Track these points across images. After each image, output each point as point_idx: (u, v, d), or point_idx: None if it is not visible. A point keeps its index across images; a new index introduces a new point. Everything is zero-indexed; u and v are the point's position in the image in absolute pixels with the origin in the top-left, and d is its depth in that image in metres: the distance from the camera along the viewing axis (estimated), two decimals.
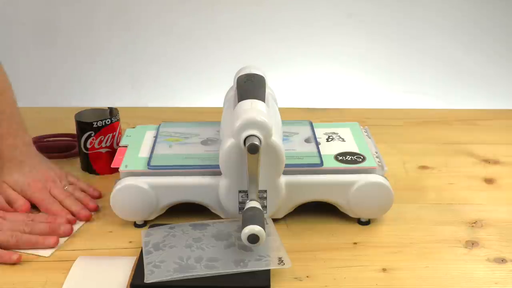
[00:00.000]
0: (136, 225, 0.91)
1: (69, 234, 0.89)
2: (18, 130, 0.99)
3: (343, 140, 0.99)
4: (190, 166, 0.90)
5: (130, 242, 0.87)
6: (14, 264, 0.82)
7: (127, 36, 2.44)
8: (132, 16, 2.40)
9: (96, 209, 0.96)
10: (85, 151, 1.07)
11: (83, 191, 0.99)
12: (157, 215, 0.91)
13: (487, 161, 1.12)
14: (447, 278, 0.80)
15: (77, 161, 1.10)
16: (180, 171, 0.90)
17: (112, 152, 1.05)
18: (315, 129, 1.02)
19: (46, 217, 0.92)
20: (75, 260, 0.82)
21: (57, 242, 0.86)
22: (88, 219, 0.93)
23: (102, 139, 1.06)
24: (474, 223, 0.92)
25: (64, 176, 1.01)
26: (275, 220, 0.90)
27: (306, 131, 1.02)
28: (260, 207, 0.81)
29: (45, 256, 0.84)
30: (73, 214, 0.93)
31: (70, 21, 2.42)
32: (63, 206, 0.95)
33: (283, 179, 0.88)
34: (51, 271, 0.81)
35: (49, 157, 1.05)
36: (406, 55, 2.33)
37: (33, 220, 0.90)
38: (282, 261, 0.79)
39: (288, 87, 2.05)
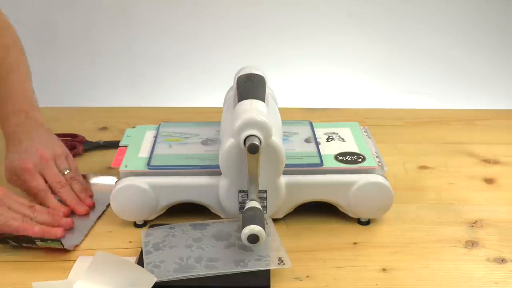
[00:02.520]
0: (136, 225, 0.91)
1: (69, 227, 0.88)
2: (25, 107, 0.97)
3: (343, 140, 0.99)
4: (190, 166, 0.90)
5: (130, 242, 0.88)
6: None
7: (127, 36, 2.43)
8: (132, 16, 2.40)
9: (93, 207, 0.95)
10: None
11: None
12: (157, 215, 0.91)
13: (487, 161, 1.12)
14: (447, 278, 0.80)
15: (77, 161, 1.10)
16: (180, 171, 0.90)
17: None
18: (315, 129, 1.02)
19: (45, 208, 0.90)
20: (75, 260, 0.82)
21: (63, 233, 0.86)
22: (85, 214, 0.93)
23: None
24: (474, 223, 0.92)
25: (64, 156, 0.98)
26: (275, 220, 0.90)
27: (306, 131, 1.02)
28: (260, 207, 0.81)
29: (68, 249, 0.85)
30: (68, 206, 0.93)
31: (70, 21, 2.42)
32: (58, 195, 0.93)
33: (283, 179, 0.88)
34: (51, 271, 0.81)
35: None
36: (406, 55, 2.33)
37: (34, 208, 0.88)
38: (282, 261, 0.79)
39: (288, 87, 2.05)
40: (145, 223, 0.91)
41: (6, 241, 0.84)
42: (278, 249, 0.81)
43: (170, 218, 0.91)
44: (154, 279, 0.74)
